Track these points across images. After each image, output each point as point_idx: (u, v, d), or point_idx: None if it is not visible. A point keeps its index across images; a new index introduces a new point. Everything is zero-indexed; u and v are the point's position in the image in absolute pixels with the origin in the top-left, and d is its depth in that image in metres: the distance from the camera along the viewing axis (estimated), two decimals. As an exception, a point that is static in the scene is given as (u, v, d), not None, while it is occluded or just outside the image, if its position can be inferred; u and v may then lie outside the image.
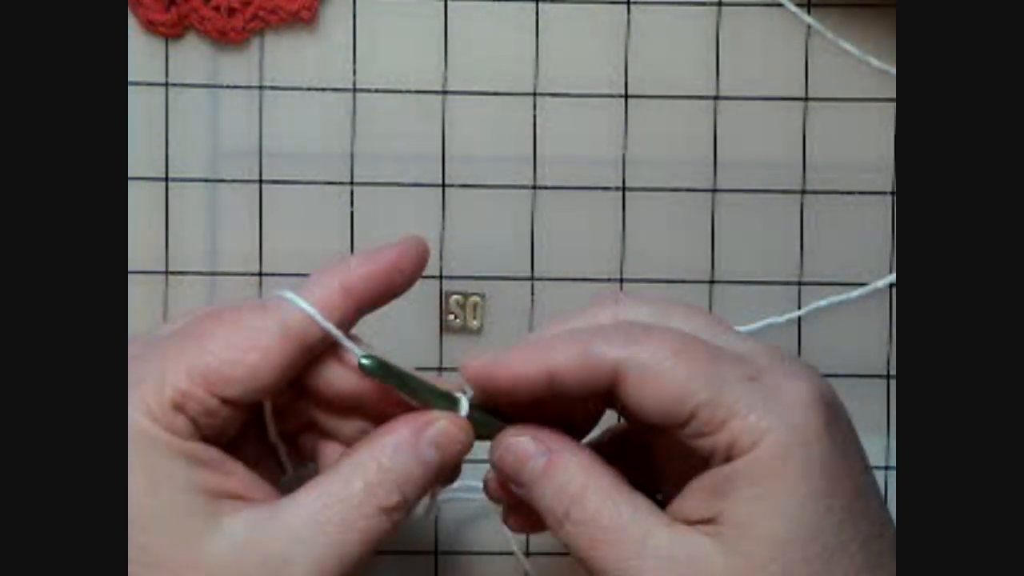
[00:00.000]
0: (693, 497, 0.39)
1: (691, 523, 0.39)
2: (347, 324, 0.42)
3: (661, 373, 0.38)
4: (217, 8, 0.50)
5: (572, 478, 0.40)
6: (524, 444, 0.41)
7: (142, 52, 0.50)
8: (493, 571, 0.51)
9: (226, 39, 0.50)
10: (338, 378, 0.42)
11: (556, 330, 0.42)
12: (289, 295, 0.41)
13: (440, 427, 0.41)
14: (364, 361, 0.41)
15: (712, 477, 0.39)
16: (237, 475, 0.41)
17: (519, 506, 0.43)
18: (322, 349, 0.42)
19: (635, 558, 0.39)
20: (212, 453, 0.41)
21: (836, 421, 0.39)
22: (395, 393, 0.42)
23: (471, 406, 0.42)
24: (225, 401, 0.40)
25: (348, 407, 0.43)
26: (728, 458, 0.38)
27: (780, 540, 0.37)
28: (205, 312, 0.42)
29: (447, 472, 0.42)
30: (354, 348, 0.42)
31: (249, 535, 0.39)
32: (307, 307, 0.41)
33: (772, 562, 0.37)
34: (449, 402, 0.42)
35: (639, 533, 0.39)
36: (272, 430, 0.43)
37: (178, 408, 0.40)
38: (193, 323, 0.42)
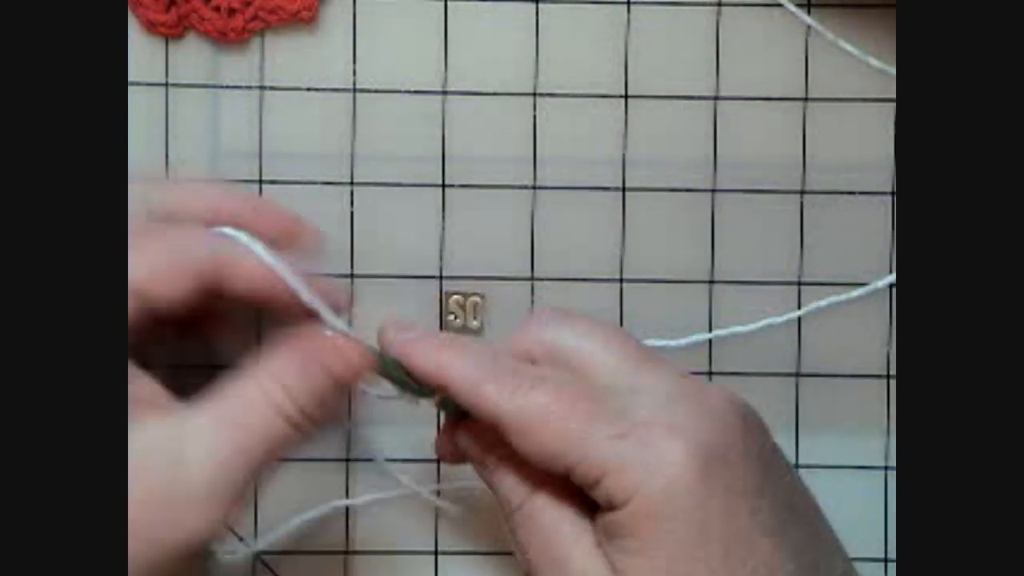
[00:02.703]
0: (596, 531, 0.41)
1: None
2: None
3: (536, 431, 0.40)
4: (217, 8, 0.50)
5: (531, 473, 0.42)
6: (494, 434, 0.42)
7: (142, 52, 0.50)
8: (493, 571, 0.51)
9: (226, 39, 0.50)
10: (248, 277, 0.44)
11: (489, 350, 0.43)
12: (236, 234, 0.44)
13: (328, 342, 0.43)
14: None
15: (600, 520, 0.41)
16: (145, 385, 0.42)
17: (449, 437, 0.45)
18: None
19: (560, 567, 0.41)
20: None
21: (712, 472, 0.40)
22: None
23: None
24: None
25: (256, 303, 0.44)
26: (611, 508, 0.40)
27: None
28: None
29: (341, 388, 0.43)
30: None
31: (150, 440, 0.40)
32: (249, 242, 0.43)
33: None
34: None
35: (569, 544, 0.41)
36: None
37: None
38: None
